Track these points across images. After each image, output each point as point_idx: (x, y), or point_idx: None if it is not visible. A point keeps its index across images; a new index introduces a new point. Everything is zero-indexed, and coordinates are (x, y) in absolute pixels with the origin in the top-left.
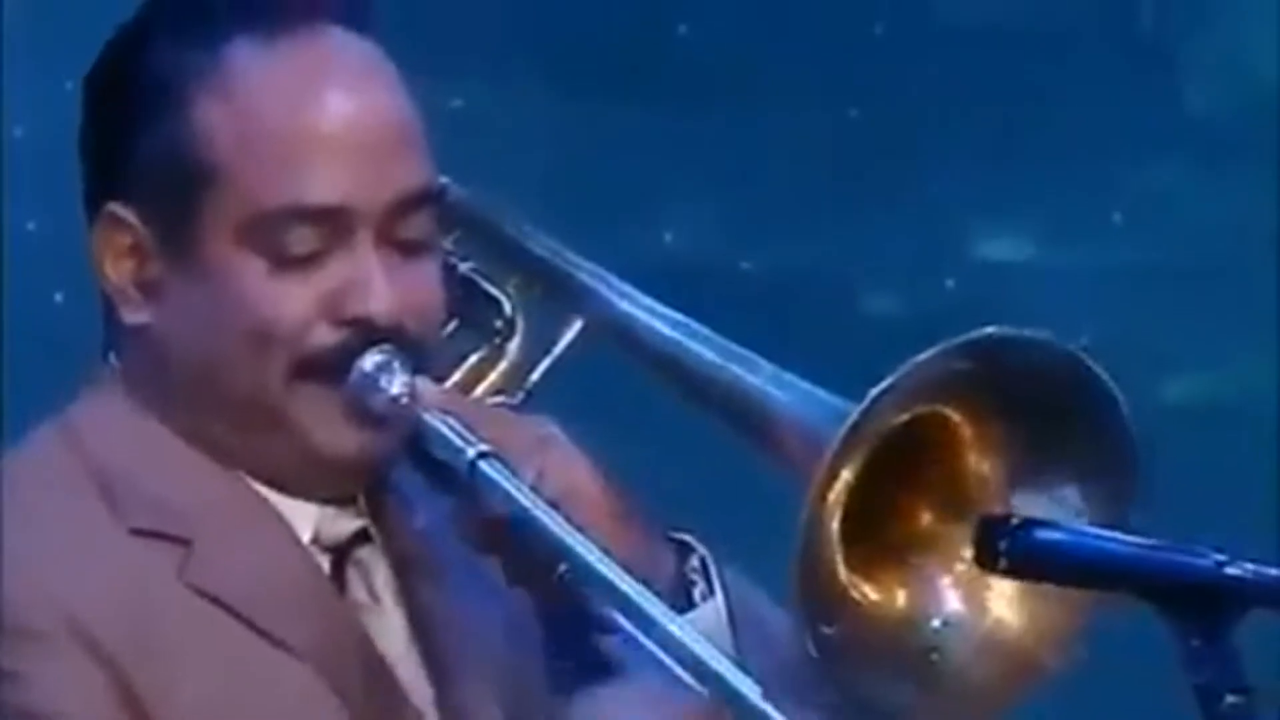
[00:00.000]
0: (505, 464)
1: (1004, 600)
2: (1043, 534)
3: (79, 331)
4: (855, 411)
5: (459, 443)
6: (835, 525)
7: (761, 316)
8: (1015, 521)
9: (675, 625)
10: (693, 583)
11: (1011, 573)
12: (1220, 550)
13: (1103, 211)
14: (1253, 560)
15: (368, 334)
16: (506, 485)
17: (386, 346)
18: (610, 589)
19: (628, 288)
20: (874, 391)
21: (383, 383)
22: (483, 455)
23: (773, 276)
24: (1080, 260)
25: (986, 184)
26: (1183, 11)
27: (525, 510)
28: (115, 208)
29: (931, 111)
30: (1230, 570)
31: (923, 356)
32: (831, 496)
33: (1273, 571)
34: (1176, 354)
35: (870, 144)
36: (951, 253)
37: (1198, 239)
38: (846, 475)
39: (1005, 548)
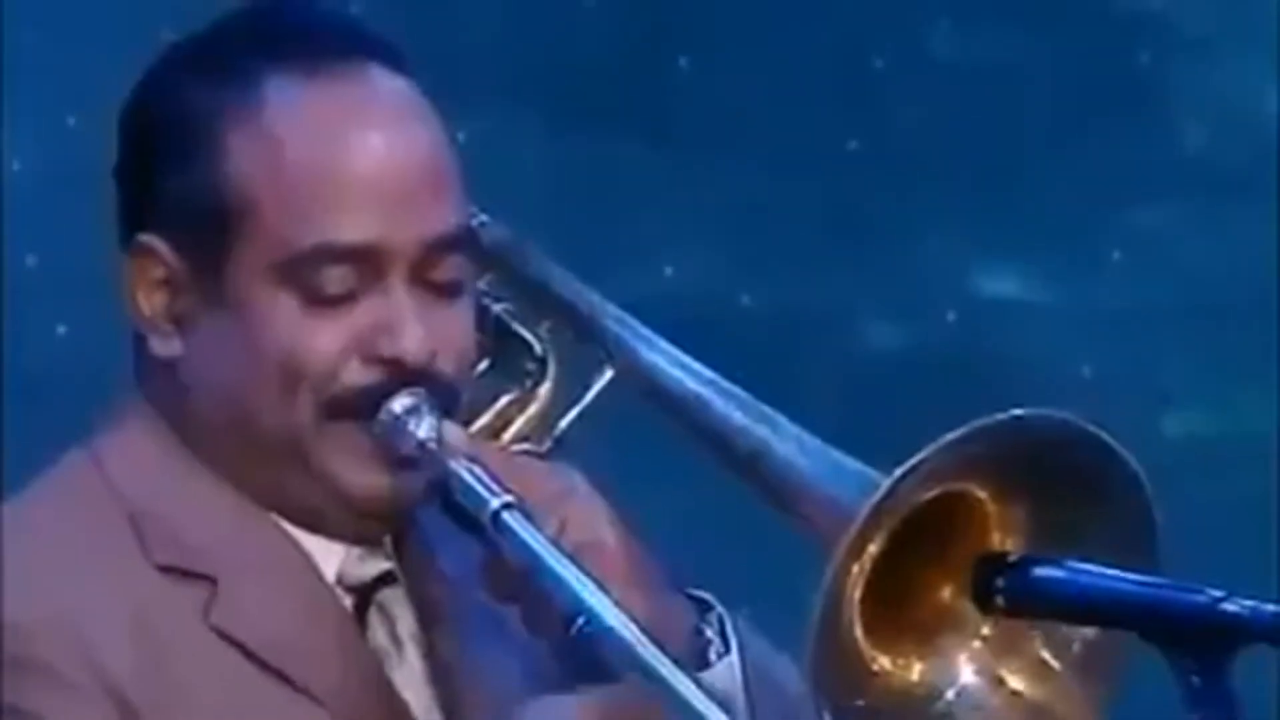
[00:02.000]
0: (528, 515)
1: (1021, 676)
2: (1040, 571)
3: (81, 364)
4: (882, 488)
5: (483, 492)
6: (856, 596)
7: (763, 350)
8: (1012, 559)
9: (686, 687)
10: (709, 641)
11: (1009, 610)
12: (1219, 587)
13: (1104, 248)
14: (1252, 596)
15: (398, 375)
16: (528, 537)
17: (417, 389)
18: (624, 647)
19: (657, 338)
20: (900, 470)
21: (411, 425)
22: (507, 506)
23: (774, 310)
24: (1082, 296)
25: (987, 218)
26: (1182, 51)
27: (545, 564)
28: (149, 239)
29: (932, 146)
30: (1228, 607)
31: (951, 436)
32: (855, 569)
33: (1270, 607)
34: (1177, 390)
35: (871, 177)
36: (953, 287)
37: (1198, 277)
38: (870, 549)
39: (1002, 585)
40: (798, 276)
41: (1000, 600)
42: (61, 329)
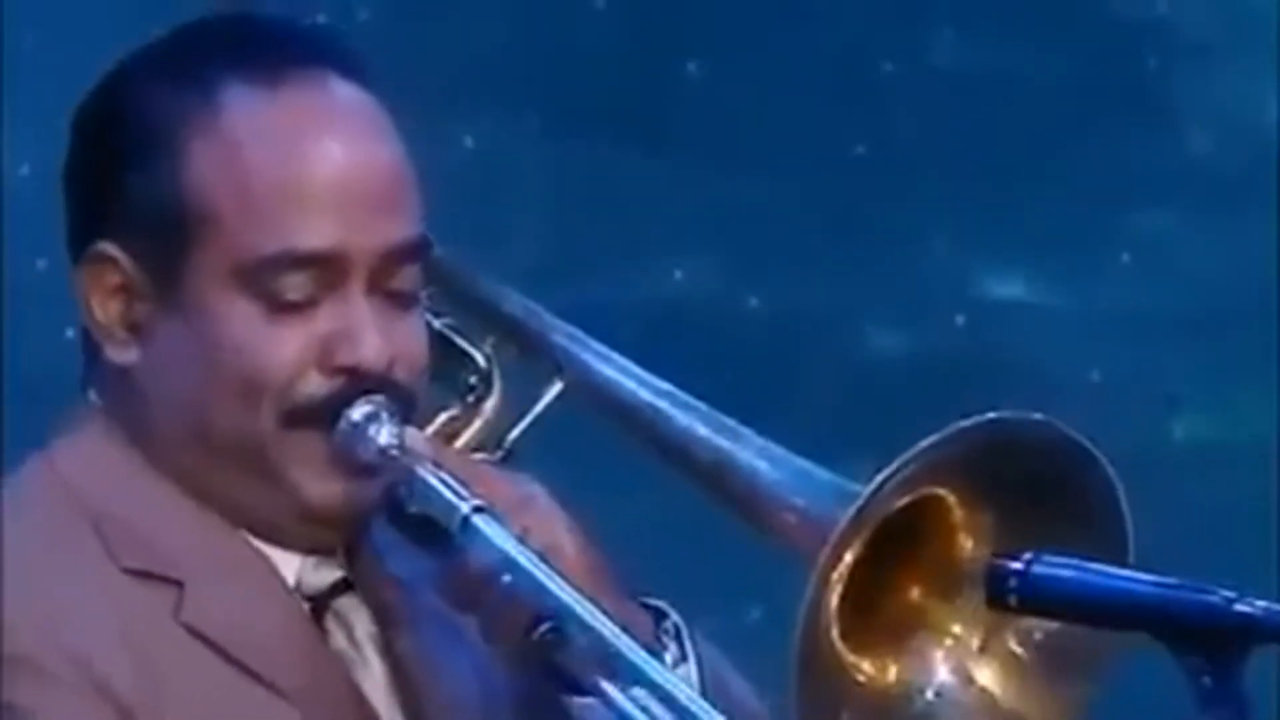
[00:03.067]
0: (499, 519)
1: (993, 673)
2: (1051, 571)
3: None
4: (861, 496)
5: (451, 497)
6: (834, 605)
7: (770, 353)
8: (1025, 559)
9: (666, 679)
10: (665, 647)
11: (1021, 610)
12: (1226, 588)
13: (1111, 252)
14: (1261, 597)
15: (357, 383)
16: (500, 540)
17: (376, 397)
18: (603, 643)
19: (606, 350)
20: (879, 477)
21: (371, 432)
22: (478, 510)
23: (782, 313)
24: (1089, 300)
25: (994, 222)
26: (1186, 57)
27: (520, 566)
28: (105, 246)
29: (939, 150)
30: (1240, 607)
31: (927, 442)
32: (833, 577)
33: None
34: (1183, 394)
35: (878, 181)
36: (960, 291)
37: (1202, 280)
38: (847, 558)
39: (1014, 585)
40: (806, 280)
41: (1013, 600)
42: (70, 333)
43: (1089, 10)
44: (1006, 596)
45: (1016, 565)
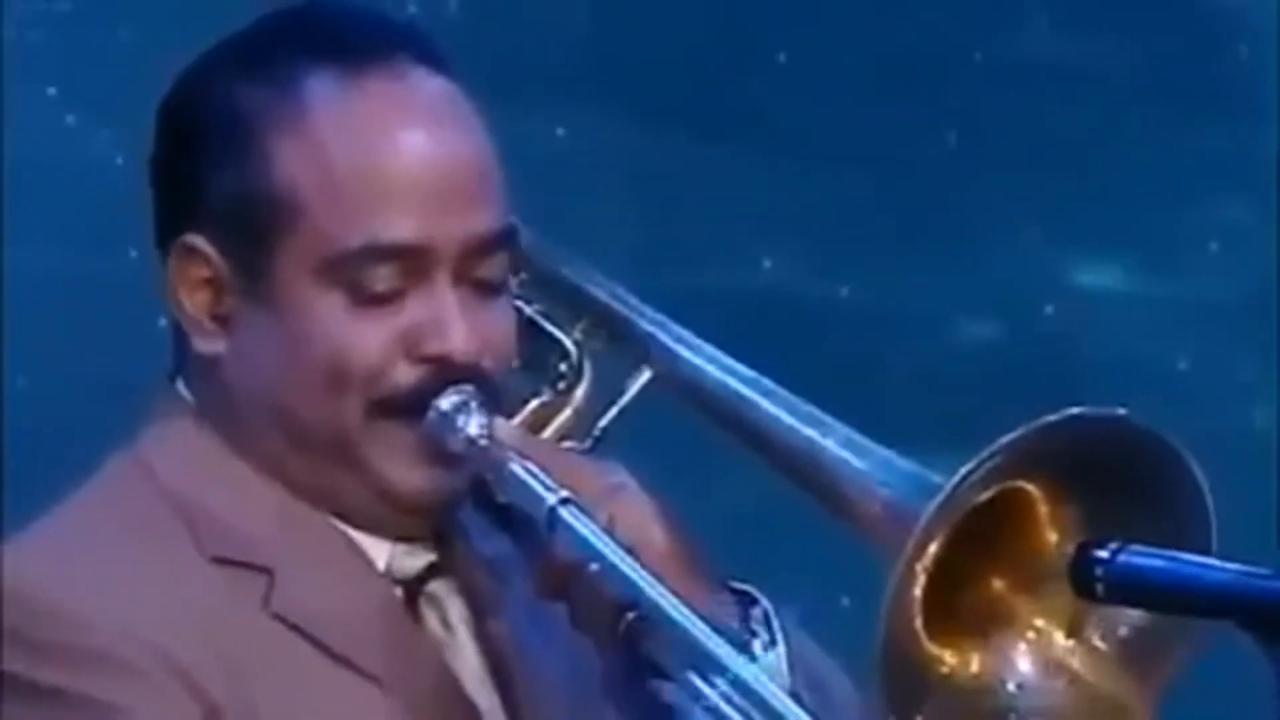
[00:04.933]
0: (585, 511)
1: (1076, 665)
2: (1140, 560)
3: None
4: (944, 490)
5: (539, 489)
6: (918, 598)
7: (860, 343)
8: (1112, 547)
9: (750, 674)
10: (754, 633)
11: (1108, 599)
12: None
13: (1200, 241)
14: None
15: (446, 373)
16: (586, 533)
17: (464, 387)
18: (685, 633)
19: (693, 338)
20: (962, 471)
21: (459, 422)
22: (564, 502)
23: (872, 303)
24: (1178, 289)
25: (1084, 212)
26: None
27: (605, 558)
28: (191, 239)
29: (1029, 140)
30: None
31: (1010, 437)
32: (917, 569)
33: None
34: (1267, 382)
35: (968, 171)
36: (1050, 280)
37: None
38: (931, 549)
39: (1101, 574)
40: (895, 270)
41: (1099, 589)
42: (163, 322)
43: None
44: (1093, 585)
45: (1103, 554)
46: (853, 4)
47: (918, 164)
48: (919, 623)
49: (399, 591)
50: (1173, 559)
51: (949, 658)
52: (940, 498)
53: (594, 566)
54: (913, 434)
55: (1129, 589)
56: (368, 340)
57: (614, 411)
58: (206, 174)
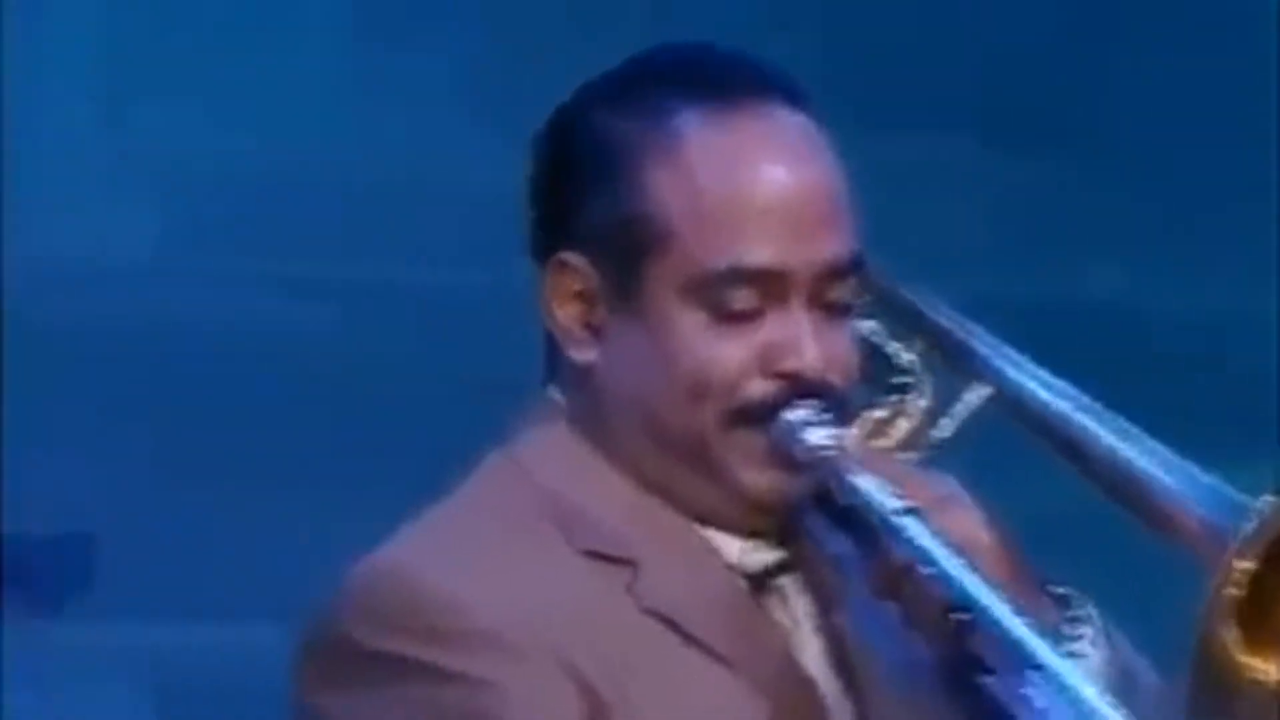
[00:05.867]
0: (921, 518)
1: None
2: None
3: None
4: (1262, 513)
5: (879, 496)
6: (1229, 607)
7: (1183, 361)
8: None
9: (1070, 672)
10: (1075, 635)
11: None
12: None
13: None
14: None
15: (797, 387)
16: (922, 539)
17: (812, 401)
18: (1010, 634)
19: (1025, 360)
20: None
21: (806, 433)
22: (908, 510)
23: (1204, 320)
24: None
25: None
26: None
27: (939, 564)
28: (567, 256)
29: None
30: None
31: None
32: (1229, 583)
33: None
34: None
35: None
36: None
37: None
38: (1244, 565)
39: None
40: (1231, 284)
41: None
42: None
43: None
44: None
45: None
46: (1194, 22)
47: (1252, 180)
48: (1231, 634)
49: (745, 584)
50: None
51: (1259, 665)
52: (1256, 521)
53: (928, 570)
54: (1225, 449)
55: None
56: (727, 355)
57: (953, 426)
58: (582, 198)
